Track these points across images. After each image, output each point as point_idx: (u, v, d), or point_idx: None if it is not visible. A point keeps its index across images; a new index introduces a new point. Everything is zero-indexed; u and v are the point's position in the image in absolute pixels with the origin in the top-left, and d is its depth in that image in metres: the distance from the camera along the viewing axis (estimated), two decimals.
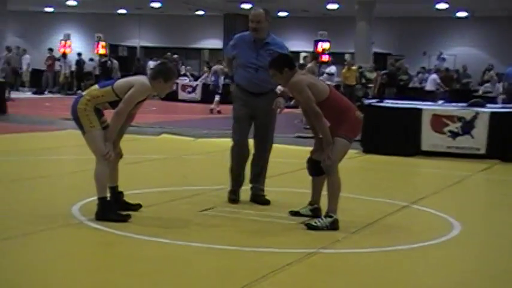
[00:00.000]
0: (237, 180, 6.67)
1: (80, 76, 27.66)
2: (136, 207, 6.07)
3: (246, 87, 6.55)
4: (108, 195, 5.84)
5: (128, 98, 5.64)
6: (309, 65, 17.59)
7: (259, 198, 6.62)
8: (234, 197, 6.62)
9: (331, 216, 5.73)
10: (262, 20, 6.42)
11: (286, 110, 7.31)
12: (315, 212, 6.02)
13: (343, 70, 21.64)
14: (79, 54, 28.35)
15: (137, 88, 5.67)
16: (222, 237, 5.36)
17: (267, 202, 6.58)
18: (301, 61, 22.23)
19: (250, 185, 6.72)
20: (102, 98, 5.71)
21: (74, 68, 27.84)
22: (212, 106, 19.70)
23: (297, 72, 5.88)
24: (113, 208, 5.76)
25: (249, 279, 4.30)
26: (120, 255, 4.86)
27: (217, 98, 19.76)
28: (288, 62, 5.90)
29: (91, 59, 28.04)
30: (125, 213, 5.76)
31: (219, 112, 19.34)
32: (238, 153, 6.63)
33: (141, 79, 5.81)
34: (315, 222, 5.72)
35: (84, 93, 5.85)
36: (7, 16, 29.27)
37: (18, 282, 4.18)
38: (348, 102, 6.04)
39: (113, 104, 5.71)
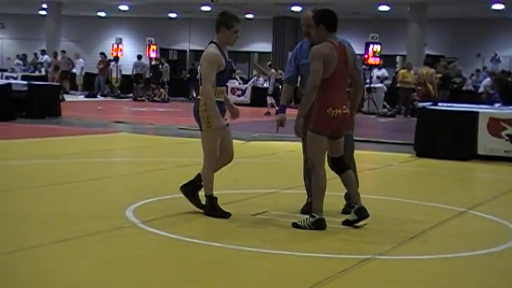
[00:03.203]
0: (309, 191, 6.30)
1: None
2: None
3: None
4: (202, 193, 6.07)
5: (204, 76, 5.80)
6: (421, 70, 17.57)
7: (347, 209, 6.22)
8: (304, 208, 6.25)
9: (313, 216, 5.56)
10: (311, 23, 6.07)
11: None
12: (360, 213, 5.66)
13: (403, 71, 21.35)
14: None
15: (205, 62, 5.81)
16: (275, 242, 5.28)
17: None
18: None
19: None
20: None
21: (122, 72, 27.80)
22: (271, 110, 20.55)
23: (331, 37, 5.60)
24: (217, 206, 5.97)
25: (304, 285, 4.22)
26: (173, 258, 4.84)
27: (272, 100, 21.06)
28: (327, 19, 5.64)
29: (139, 56, 27.31)
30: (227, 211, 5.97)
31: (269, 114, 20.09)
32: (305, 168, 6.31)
33: (205, 51, 5.91)
34: (300, 222, 5.60)
35: (199, 96, 5.96)
36: (61, 21, 29.98)
37: (73, 285, 4.18)
38: (336, 96, 5.58)
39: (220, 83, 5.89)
